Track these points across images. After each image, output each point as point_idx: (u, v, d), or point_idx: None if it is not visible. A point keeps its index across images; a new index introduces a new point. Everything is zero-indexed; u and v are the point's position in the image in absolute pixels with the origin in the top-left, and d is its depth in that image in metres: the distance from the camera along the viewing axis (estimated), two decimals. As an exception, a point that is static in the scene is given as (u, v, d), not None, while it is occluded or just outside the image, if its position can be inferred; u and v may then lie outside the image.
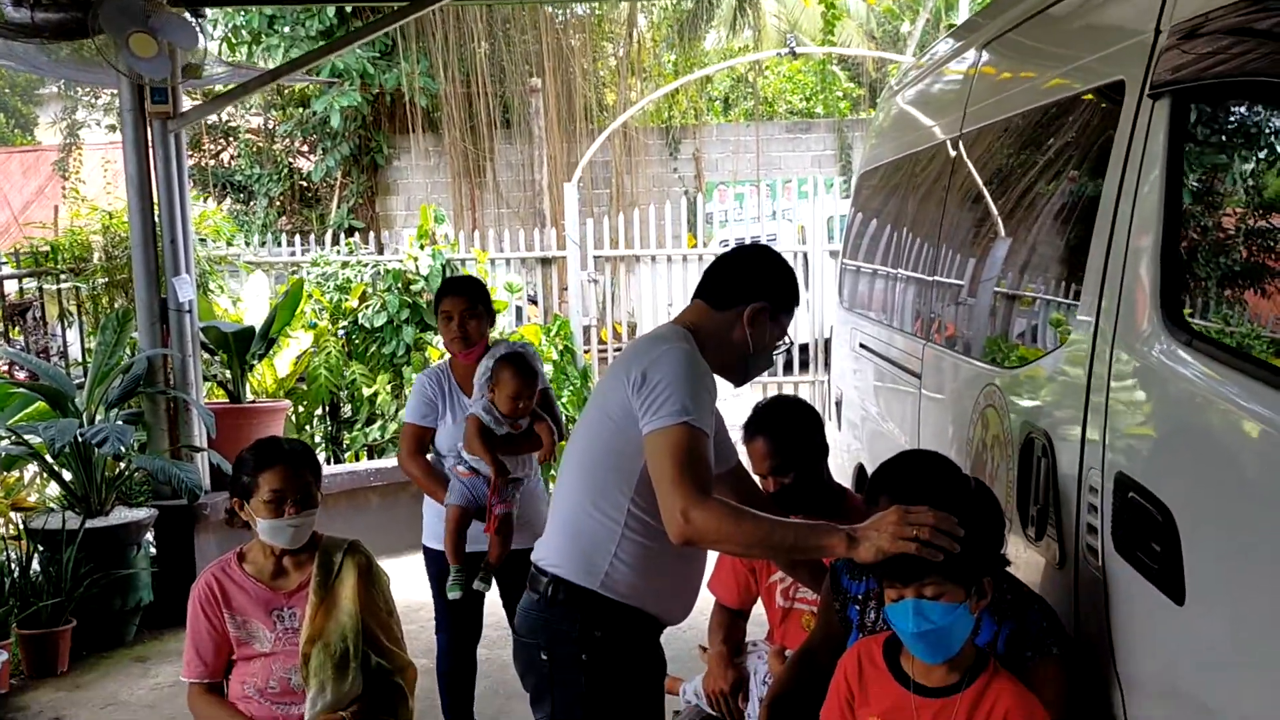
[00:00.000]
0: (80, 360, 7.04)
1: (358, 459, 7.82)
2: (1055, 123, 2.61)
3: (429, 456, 3.76)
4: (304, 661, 2.79)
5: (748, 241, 8.85)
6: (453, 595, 3.61)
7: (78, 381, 5.70)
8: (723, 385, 2.46)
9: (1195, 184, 1.96)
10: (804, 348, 9.58)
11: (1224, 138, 1.97)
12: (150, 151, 5.48)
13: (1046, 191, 2.66)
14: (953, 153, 3.40)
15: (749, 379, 2.55)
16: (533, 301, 9.74)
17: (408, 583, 5.75)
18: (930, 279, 3.51)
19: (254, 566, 2.90)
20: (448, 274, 8.08)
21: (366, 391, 7.93)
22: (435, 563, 3.82)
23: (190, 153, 15.68)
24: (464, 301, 3.70)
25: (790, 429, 2.76)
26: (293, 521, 2.82)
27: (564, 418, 7.28)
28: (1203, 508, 1.72)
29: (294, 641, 2.82)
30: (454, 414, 3.69)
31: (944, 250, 3.41)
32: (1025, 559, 2.39)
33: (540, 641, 2.33)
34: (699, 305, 2.48)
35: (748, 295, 2.43)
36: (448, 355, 3.86)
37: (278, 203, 15.46)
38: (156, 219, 5.59)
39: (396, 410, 7.84)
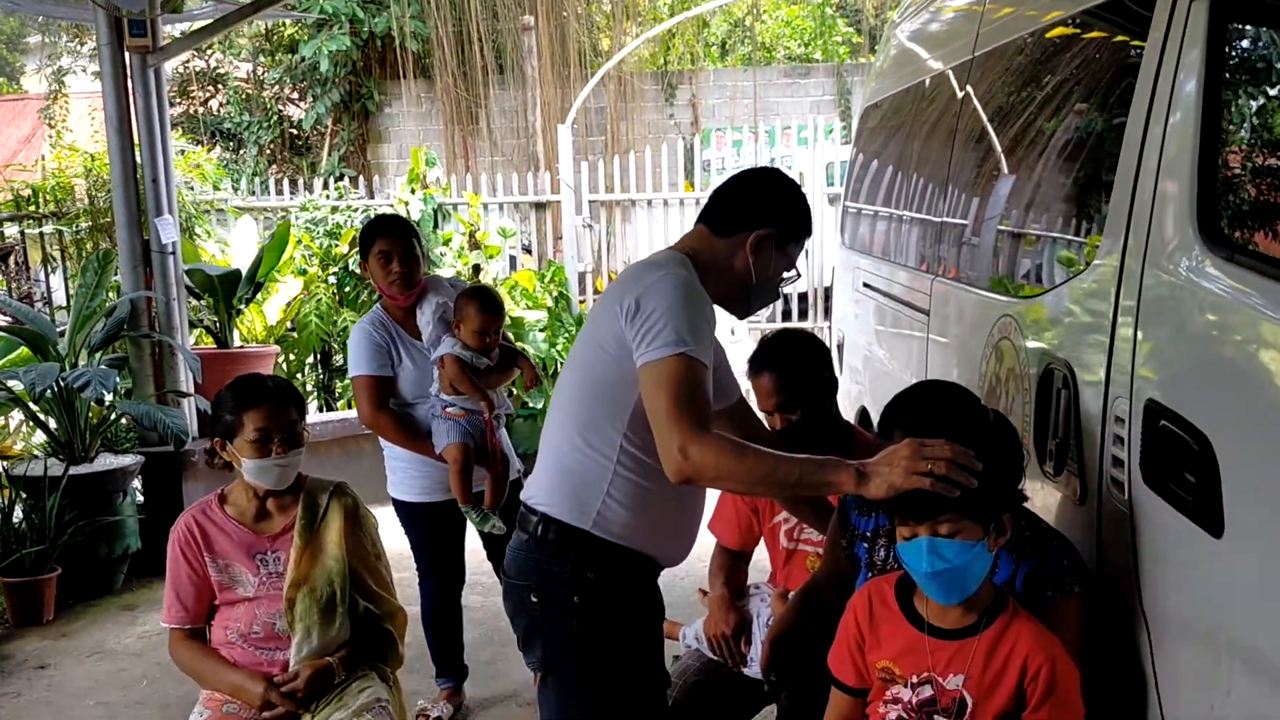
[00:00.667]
0: (65, 306, 6.90)
1: (350, 407, 7.70)
2: (1080, 34, 2.46)
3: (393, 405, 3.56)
4: (288, 606, 2.68)
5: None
6: (489, 529, 3.47)
7: (61, 328, 5.55)
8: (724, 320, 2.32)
9: (1235, 88, 1.82)
10: (803, 296, 9.44)
11: (1266, 39, 1.83)
12: (130, 88, 5.30)
13: (1068, 109, 2.51)
14: (965, 75, 3.25)
15: (752, 311, 2.39)
16: (526, 251, 9.58)
17: (398, 531, 5.66)
18: (938, 211, 3.37)
19: (236, 509, 2.78)
20: (439, 219, 7.93)
21: (358, 338, 7.79)
22: (408, 514, 3.70)
23: (178, 100, 15.44)
24: (403, 242, 3.50)
25: (798, 364, 2.64)
26: (280, 461, 2.69)
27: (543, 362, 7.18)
28: (1244, 434, 1.60)
29: (278, 586, 2.71)
30: (410, 359, 3.51)
31: (954, 180, 3.27)
32: (1043, 496, 2.27)
33: (530, 583, 2.21)
34: (700, 230, 2.32)
35: (753, 221, 2.27)
36: (377, 304, 3.63)
37: (268, 151, 15.20)
38: (138, 159, 5.42)
39: (388, 357, 7.70)
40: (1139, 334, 1.90)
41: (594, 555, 2.16)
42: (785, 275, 2.37)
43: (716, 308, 2.25)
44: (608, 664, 2.19)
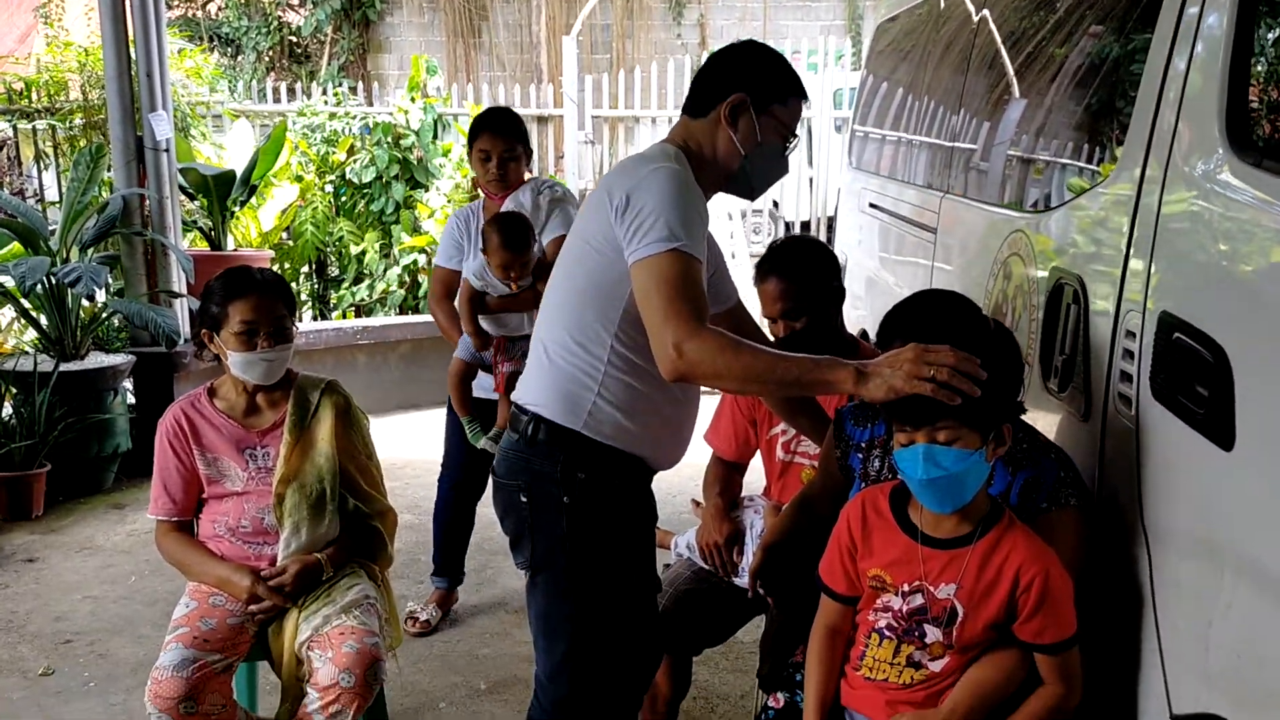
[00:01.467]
0: (57, 203, 6.80)
1: (345, 318, 7.65)
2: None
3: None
4: (277, 502, 2.65)
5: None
6: (480, 444, 3.50)
7: (53, 225, 5.47)
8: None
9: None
10: (805, 225, 9.35)
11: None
12: (125, -23, 5.16)
13: (1088, 16, 2.43)
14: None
15: (758, 192, 2.28)
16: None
17: (393, 442, 5.66)
18: (951, 128, 3.29)
19: (225, 403, 2.74)
20: (439, 129, 7.79)
21: (354, 249, 7.72)
22: (449, 403, 3.71)
23: (176, 3, 15.13)
24: (505, 142, 3.50)
25: (806, 270, 2.58)
26: (266, 355, 2.64)
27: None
28: (1262, 346, 1.55)
29: (267, 481, 2.68)
30: (477, 253, 3.50)
31: (968, 94, 3.18)
32: (1046, 413, 2.24)
33: (520, 483, 2.16)
34: (683, 120, 2.24)
35: (721, 91, 2.17)
36: (480, 196, 3.70)
37: (266, 57, 14.94)
38: (133, 53, 5.29)
39: (385, 270, 7.64)
40: (1156, 245, 1.85)
41: (584, 455, 2.11)
42: (787, 143, 2.25)
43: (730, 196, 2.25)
44: (597, 565, 2.16)
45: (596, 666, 2.20)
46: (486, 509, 4.68)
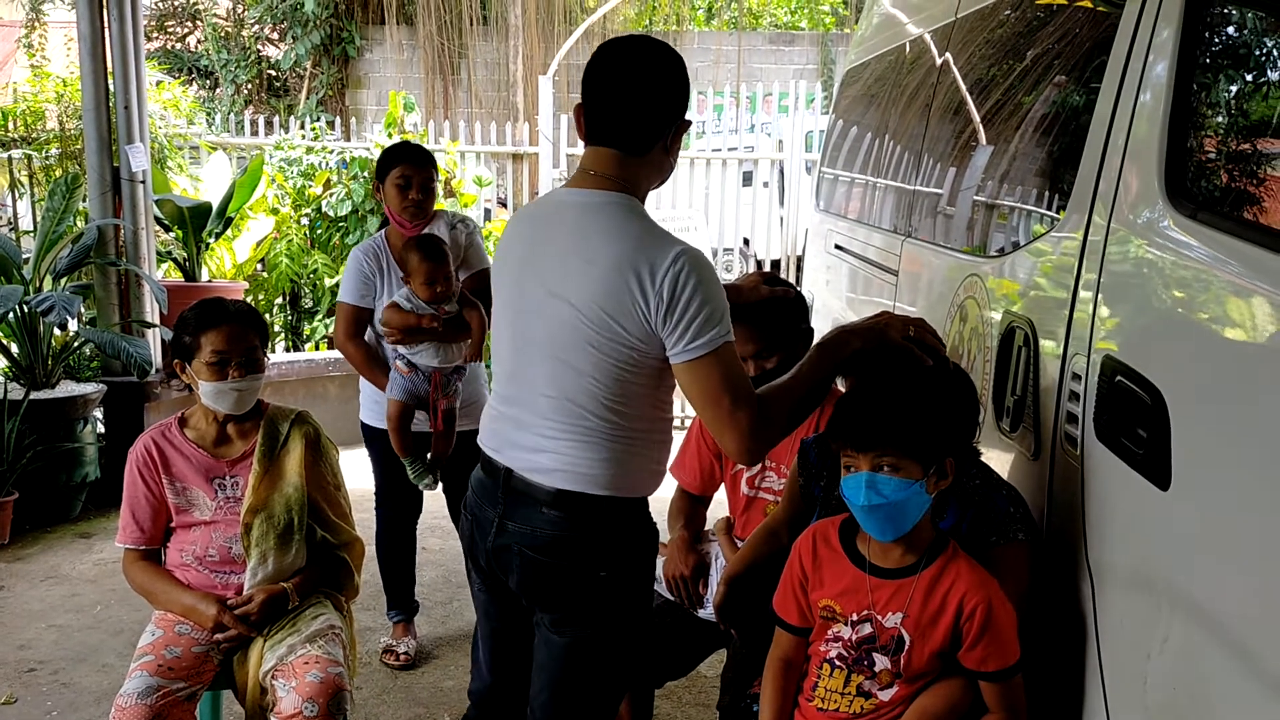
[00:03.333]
0: (31, 232, 6.81)
1: (317, 349, 7.67)
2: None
3: (367, 336, 3.60)
4: (245, 532, 2.68)
5: (723, 153, 8.66)
6: (424, 485, 3.55)
7: (26, 254, 5.48)
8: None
9: (1210, 48, 1.83)
10: (775, 264, 9.45)
11: None
12: (105, 10, 5.21)
13: (1043, 68, 2.52)
14: (945, 38, 3.26)
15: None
16: (502, 204, 9.52)
17: (363, 473, 5.66)
18: (911, 173, 3.38)
19: (196, 432, 2.77)
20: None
21: (328, 282, 7.73)
22: (369, 437, 3.76)
23: (156, 34, 15.20)
24: (423, 171, 3.52)
25: (775, 313, 2.65)
26: (237, 385, 2.68)
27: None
28: (1196, 388, 1.63)
29: (235, 511, 2.71)
30: (390, 291, 3.51)
31: (928, 142, 3.28)
32: (999, 451, 2.30)
33: (582, 562, 2.11)
34: (612, 156, 2.09)
35: (660, 125, 2.09)
36: (382, 231, 3.67)
37: (245, 90, 15.01)
38: (110, 85, 5.33)
39: (358, 302, 7.65)
40: (1100, 291, 1.92)
41: (631, 514, 2.13)
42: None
43: None
44: (637, 611, 2.20)
45: (608, 703, 2.23)
46: (450, 543, 4.69)
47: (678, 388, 2.09)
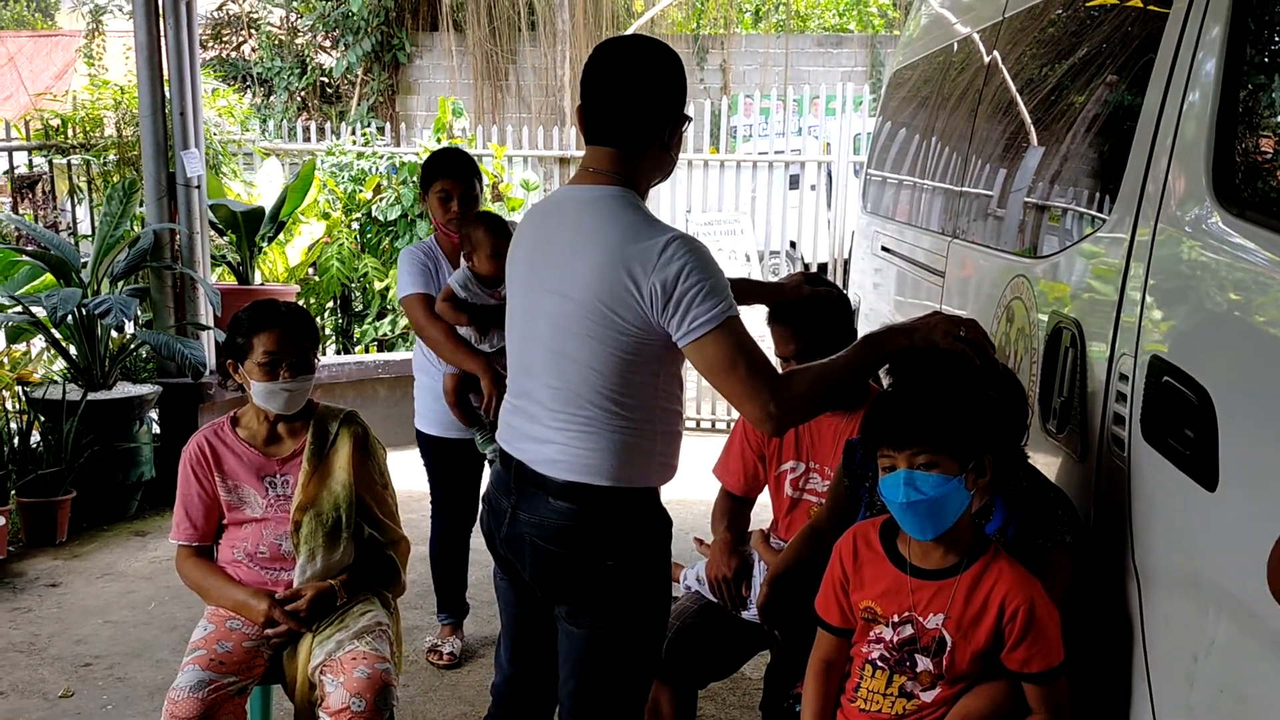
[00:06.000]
0: (89, 236, 6.96)
1: (367, 352, 7.76)
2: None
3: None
4: (294, 529, 2.72)
5: (770, 155, 8.64)
6: (491, 452, 3.43)
7: (85, 258, 5.61)
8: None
9: (1261, 39, 1.81)
10: (822, 266, 9.41)
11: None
12: (161, 19, 5.32)
13: (1091, 68, 2.50)
14: (993, 38, 3.24)
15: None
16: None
17: (411, 474, 5.72)
18: (959, 174, 3.36)
19: (247, 431, 2.82)
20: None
21: (378, 285, 7.83)
22: (429, 446, 3.78)
23: (212, 44, 15.48)
24: (463, 183, 3.57)
25: (819, 313, 2.65)
26: (287, 386, 2.73)
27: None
28: (1244, 388, 1.61)
29: (285, 508, 2.75)
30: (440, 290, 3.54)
31: (975, 141, 3.26)
32: (1045, 453, 2.29)
33: (590, 552, 2.14)
34: (610, 154, 2.13)
35: (658, 122, 2.13)
36: (431, 236, 3.73)
37: (298, 97, 15.23)
38: (167, 92, 5.44)
39: (409, 306, 7.74)
40: (1147, 291, 1.91)
41: (642, 505, 2.16)
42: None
43: None
44: (657, 601, 2.23)
45: (636, 693, 2.26)
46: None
47: (693, 395, 2.10)
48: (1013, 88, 3.04)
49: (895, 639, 1.93)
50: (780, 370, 2.64)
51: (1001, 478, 2.04)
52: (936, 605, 1.90)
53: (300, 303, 7.51)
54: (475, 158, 3.79)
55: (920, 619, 1.91)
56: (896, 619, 1.93)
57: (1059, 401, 2.25)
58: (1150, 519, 1.85)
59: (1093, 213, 2.29)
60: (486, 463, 3.58)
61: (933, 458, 1.84)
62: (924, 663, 1.91)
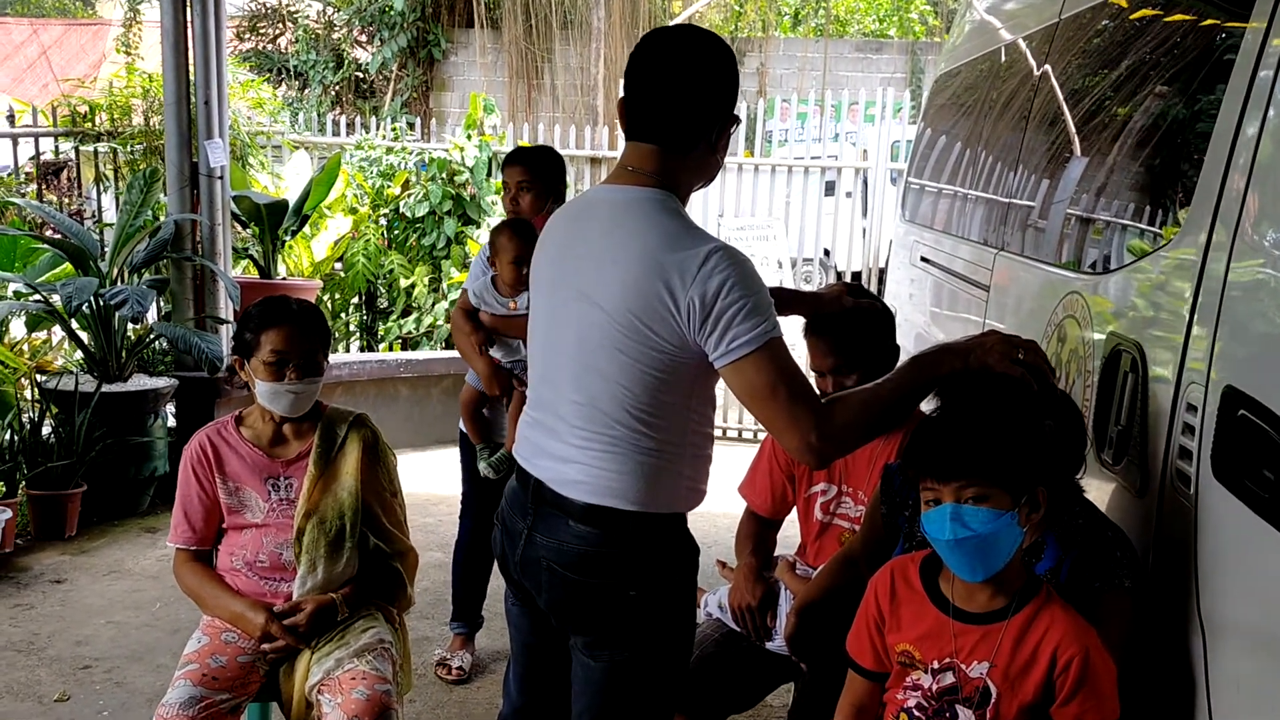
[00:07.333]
0: (113, 224, 6.89)
1: (392, 350, 7.65)
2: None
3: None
4: (297, 536, 2.59)
5: (806, 160, 8.48)
6: (483, 471, 3.49)
7: (105, 247, 5.52)
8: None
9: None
10: (856, 275, 9.23)
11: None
12: (188, 6, 5.22)
13: (1156, 80, 2.33)
14: (1047, 44, 3.07)
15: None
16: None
17: (429, 477, 5.61)
18: (1007, 185, 3.19)
19: (252, 431, 2.70)
20: (493, 166, 7.82)
21: (404, 283, 7.72)
22: (464, 446, 3.72)
23: (248, 35, 15.46)
24: (520, 171, 3.54)
25: (862, 328, 2.49)
26: (293, 388, 2.60)
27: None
28: (1335, 427, 1.44)
29: (288, 514, 2.62)
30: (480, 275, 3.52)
31: (1025, 150, 3.09)
32: (1099, 484, 2.12)
33: (616, 581, 1.98)
34: (652, 152, 1.96)
35: (705, 122, 1.97)
36: None
37: (333, 91, 15.19)
38: (192, 79, 5.35)
39: (433, 304, 7.64)
40: (1221, 314, 1.74)
41: (669, 531, 2.01)
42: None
43: None
44: (682, 631, 2.08)
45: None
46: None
47: (721, 402, 1.95)
48: (1067, 96, 2.87)
49: (935, 687, 1.76)
50: (816, 385, 2.49)
51: (1055, 513, 1.87)
52: (981, 652, 1.73)
53: (324, 298, 7.42)
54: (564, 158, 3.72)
55: (963, 666, 1.74)
56: (936, 665, 1.76)
57: (1116, 430, 2.08)
58: (1220, 566, 1.68)
59: (1156, 228, 2.13)
60: (482, 476, 3.53)
61: (983, 490, 1.67)
62: (965, 714, 1.74)
